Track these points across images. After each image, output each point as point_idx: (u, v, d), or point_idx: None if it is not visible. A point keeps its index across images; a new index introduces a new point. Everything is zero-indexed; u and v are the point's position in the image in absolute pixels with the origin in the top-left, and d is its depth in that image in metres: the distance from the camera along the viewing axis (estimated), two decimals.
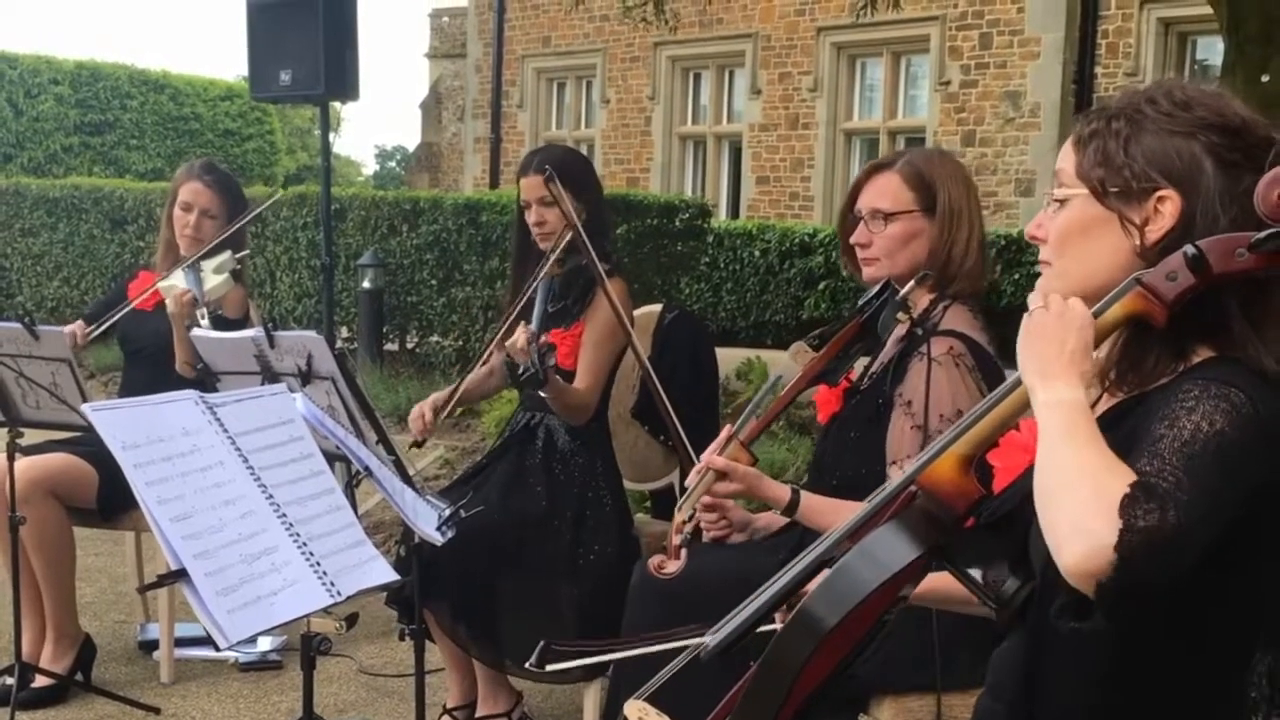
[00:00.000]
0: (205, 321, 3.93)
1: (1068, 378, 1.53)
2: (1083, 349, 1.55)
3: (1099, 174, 1.65)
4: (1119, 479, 1.43)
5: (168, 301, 4.05)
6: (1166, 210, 1.61)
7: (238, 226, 4.30)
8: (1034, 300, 1.63)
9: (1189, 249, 1.53)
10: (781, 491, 2.73)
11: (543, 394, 3.49)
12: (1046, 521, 1.47)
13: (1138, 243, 1.63)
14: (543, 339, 3.40)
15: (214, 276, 4.16)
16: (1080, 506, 1.43)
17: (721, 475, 2.68)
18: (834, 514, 2.63)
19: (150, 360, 4.21)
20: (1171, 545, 1.39)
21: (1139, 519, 1.39)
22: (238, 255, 4.28)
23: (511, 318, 3.65)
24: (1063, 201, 1.71)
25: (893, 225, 2.87)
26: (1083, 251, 1.68)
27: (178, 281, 4.10)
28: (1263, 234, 1.51)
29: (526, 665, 1.84)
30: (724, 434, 2.75)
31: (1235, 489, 1.48)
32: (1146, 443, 1.49)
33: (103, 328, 4.19)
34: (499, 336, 3.66)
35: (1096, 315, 1.58)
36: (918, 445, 2.64)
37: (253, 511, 2.40)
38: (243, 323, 4.30)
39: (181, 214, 4.33)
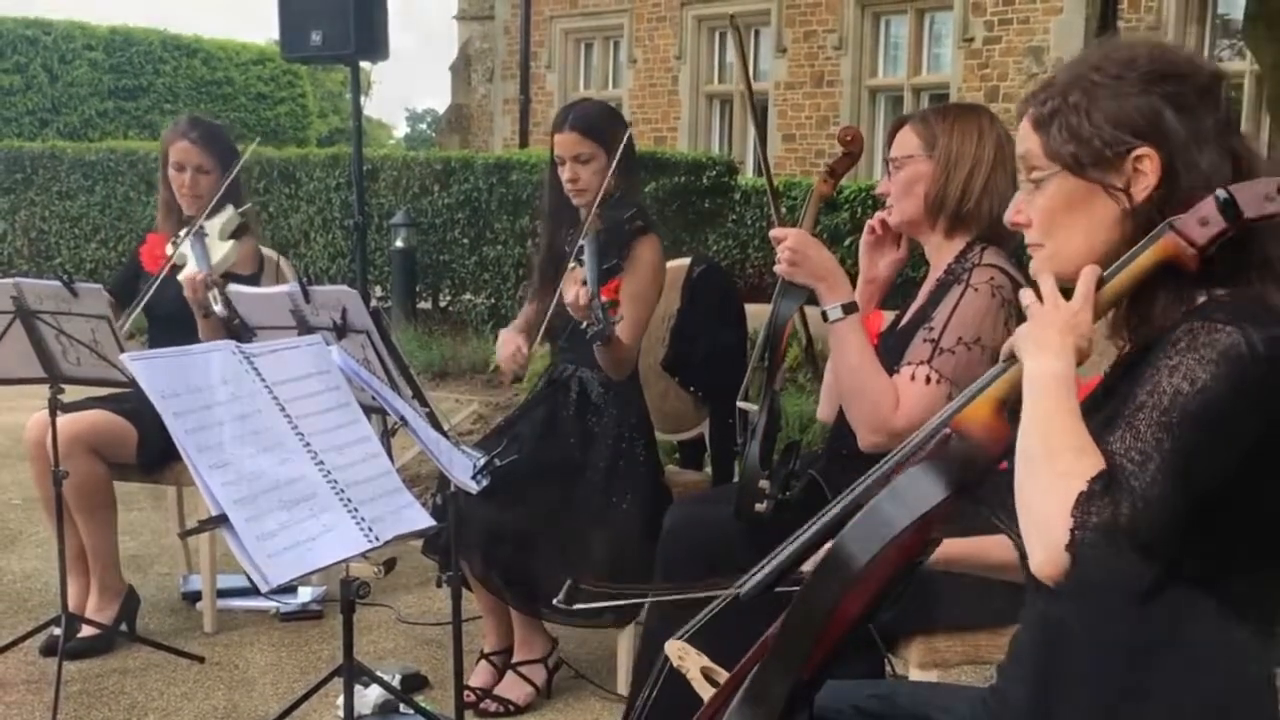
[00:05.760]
0: (219, 306, 3.82)
1: (1059, 346, 1.57)
2: (1077, 321, 1.58)
3: (1070, 150, 1.68)
4: (1080, 471, 1.47)
5: (184, 287, 4.02)
6: (1147, 167, 1.63)
7: (230, 179, 4.28)
8: (1025, 295, 1.66)
9: (1220, 193, 1.54)
10: (846, 287, 2.81)
11: (598, 350, 3.46)
12: (1020, 514, 1.52)
13: (1126, 205, 1.65)
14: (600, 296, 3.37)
15: (220, 246, 4.16)
16: (1041, 502, 1.48)
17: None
18: (865, 357, 2.71)
19: (172, 322, 4.23)
20: (1126, 535, 1.43)
21: (1091, 516, 1.44)
22: (240, 210, 4.30)
23: (562, 275, 3.57)
24: (1038, 183, 1.73)
25: (899, 172, 2.91)
26: (1072, 227, 1.70)
27: (186, 251, 4.10)
28: None
29: (554, 602, 1.88)
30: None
31: (1227, 439, 1.49)
32: (1129, 410, 1.52)
33: (135, 310, 4.21)
34: (556, 298, 3.56)
35: (1126, 264, 1.60)
36: (928, 355, 2.68)
37: (291, 459, 2.43)
38: (255, 278, 4.31)
39: (176, 174, 4.34)
